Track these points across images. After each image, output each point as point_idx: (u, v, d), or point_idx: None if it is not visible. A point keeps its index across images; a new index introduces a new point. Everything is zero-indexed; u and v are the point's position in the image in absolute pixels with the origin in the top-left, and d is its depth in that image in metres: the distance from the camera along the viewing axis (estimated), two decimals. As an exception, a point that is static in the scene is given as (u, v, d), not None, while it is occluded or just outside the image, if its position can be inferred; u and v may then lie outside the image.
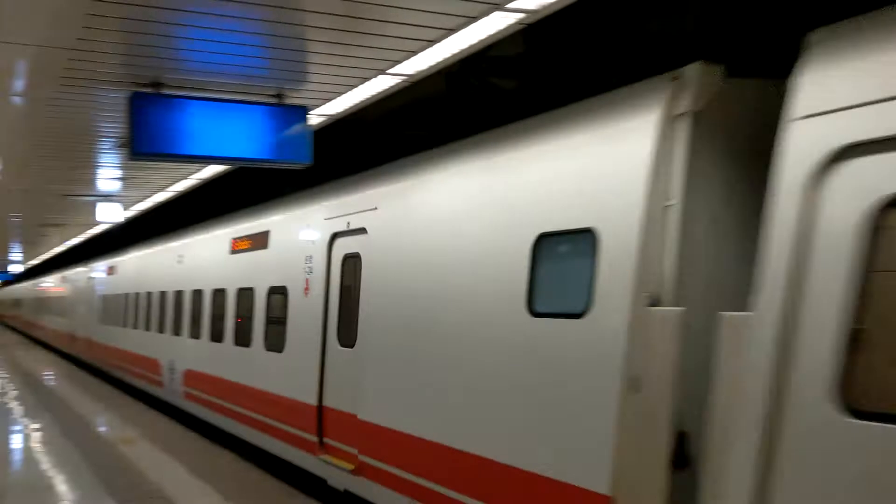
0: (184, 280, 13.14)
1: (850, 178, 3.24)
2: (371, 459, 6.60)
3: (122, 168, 10.51)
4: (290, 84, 6.48)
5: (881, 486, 2.98)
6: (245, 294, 10.21)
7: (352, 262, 7.54)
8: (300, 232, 8.82)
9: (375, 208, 7.19)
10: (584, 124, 5.11)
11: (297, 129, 6.55)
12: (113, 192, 12.70)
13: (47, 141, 8.54)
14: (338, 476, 7.20)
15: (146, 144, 6.08)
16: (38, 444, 10.54)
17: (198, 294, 12.16)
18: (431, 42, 5.44)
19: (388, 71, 6.07)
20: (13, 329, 50.66)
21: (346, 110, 7.32)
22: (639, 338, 4.23)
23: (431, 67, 6.09)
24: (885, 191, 3.09)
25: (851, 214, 3.18)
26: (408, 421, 6.21)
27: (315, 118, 7.52)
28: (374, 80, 6.33)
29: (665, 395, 4.07)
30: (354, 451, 6.90)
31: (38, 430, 11.71)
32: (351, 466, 6.85)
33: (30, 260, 36.74)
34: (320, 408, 7.72)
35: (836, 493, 3.11)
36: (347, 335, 7.41)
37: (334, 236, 7.92)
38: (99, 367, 20.57)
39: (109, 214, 12.94)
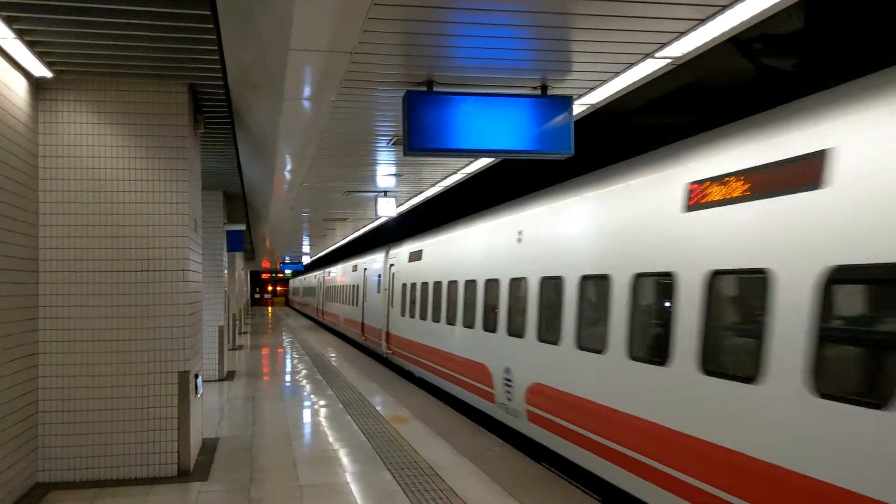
0: (531, 264, 9.76)
1: None
2: None
3: (396, 164, 11.17)
4: (554, 74, 6.50)
5: None
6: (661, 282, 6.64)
7: None
8: None
9: None
10: None
11: (560, 119, 6.56)
12: (389, 188, 13.55)
13: (329, 141, 9.28)
14: None
15: (419, 140, 6.40)
16: (324, 420, 11.54)
17: (552, 283, 9.03)
18: (702, 21, 5.19)
19: (655, 54, 5.88)
20: (304, 315, 56.04)
21: (609, 97, 7.20)
22: None
23: (699, 48, 5.81)
24: None
25: None
26: None
27: (578, 108, 7.48)
28: (640, 64, 6.16)
29: None
30: None
31: (324, 406, 12.83)
32: None
33: (316, 253, 40.44)
34: None
35: None
36: None
37: None
38: (394, 361, 19.10)
39: (386, 209, 13.77)
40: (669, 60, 6.06)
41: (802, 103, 5.36)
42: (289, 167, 11.26)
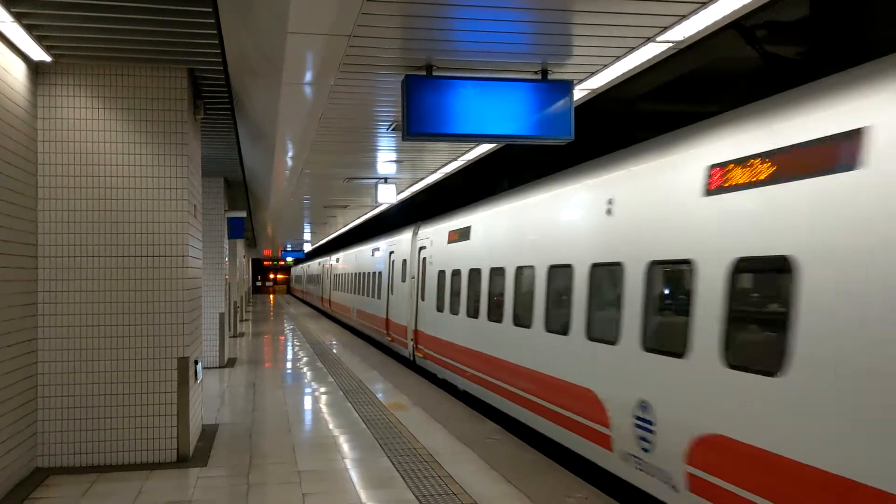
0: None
1: None
2: None
3: (396, 151, 11.14)
4: (554, 59, 6.46)
5: None
6: None
7: None
8: None
9: None
10: None
11: (561, 104, 6.53)
12: (389, 174, 13.52)
13: (329, 126, 9.24)
14: None
15: (419, 125, 6.37)
16: (324, 406, 11.56)
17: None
18: (704, 3, 5.15)
19: (656, 38, 5.84)
20: (305, 303, 56.13)
21: (610, 82, 7.16)
22: None
23: (700, 32, 5.77)
24: None
25: None
26: None
27: (579, 93, 7.44)
28: (641, 49, 6.12)
29: None
30: None
31: (324, 393, 12.85)
32: None
33: (317, 241, 40.41)
34: None
35: None
36: None
37: None
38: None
39: (387, 196, 13.74)
40: (671, 44, 6.02)
41: (829, 81, 5.06)
42: (289, 153, 11.24)
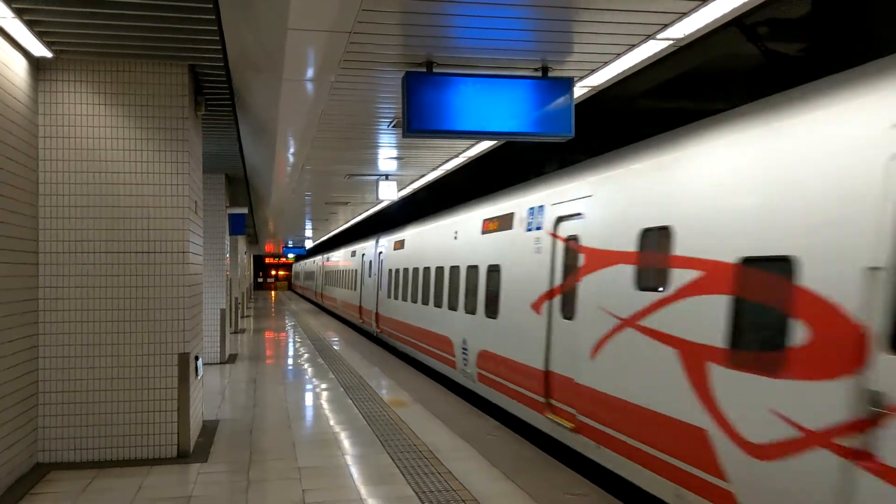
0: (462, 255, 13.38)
1: None
2: None
3: (397, 147, 11.14)
4: (554, 56, 6.46)
5: None
6: None
7: None
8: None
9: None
10: None
11: (561, 101, 6.53)
12: (390, 171, 13.52)
13: (330, 123, 9.25)
14: None
15: (419, 122, 6.37)
16: (325, 402, 11.57)
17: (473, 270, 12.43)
18: (704, 0, 5.15)
19: (656, 35, 5.84)
20: (306, 298, 56.15)
21: (611, 79, 7.16)
22: None
23: (701, 30, 5.77)
24: None
25: None
26: None
27: (580, 90, 7.44)
28: (641, 46, 6.12)
29: None
30: None
31: (325, 389, 12.86)
32: None
33: (319, 237, 40.45)
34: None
35: None
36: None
37: None
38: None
39: (388, 193, 13.74)
40: (671, 42, 6.02)
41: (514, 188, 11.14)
42: (290, 150, 11.24)
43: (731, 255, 5.54)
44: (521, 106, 6.47)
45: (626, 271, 7.02)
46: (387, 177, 13.91)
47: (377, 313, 21.83)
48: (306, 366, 16.14)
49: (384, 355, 18.18)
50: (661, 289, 6.40)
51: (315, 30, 5.65)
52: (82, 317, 7.75)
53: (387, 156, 11.91)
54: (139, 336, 7.87)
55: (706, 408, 5.71)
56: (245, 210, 18.74)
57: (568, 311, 8.35)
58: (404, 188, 15.78)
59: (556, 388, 8.56)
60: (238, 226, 18.43)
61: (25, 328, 7.32)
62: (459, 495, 6.78)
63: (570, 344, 8.18)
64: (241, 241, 29.78)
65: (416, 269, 16.76)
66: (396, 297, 18.88)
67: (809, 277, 4.76)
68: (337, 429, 9.61)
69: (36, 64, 7.59)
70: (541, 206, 9.46)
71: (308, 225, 30.04)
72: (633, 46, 6.18)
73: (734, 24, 8.77)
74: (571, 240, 8.41)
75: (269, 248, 53.25)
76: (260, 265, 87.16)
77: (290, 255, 64.44)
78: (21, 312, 7.19)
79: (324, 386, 13.22)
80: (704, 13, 5.34)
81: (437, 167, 13.09)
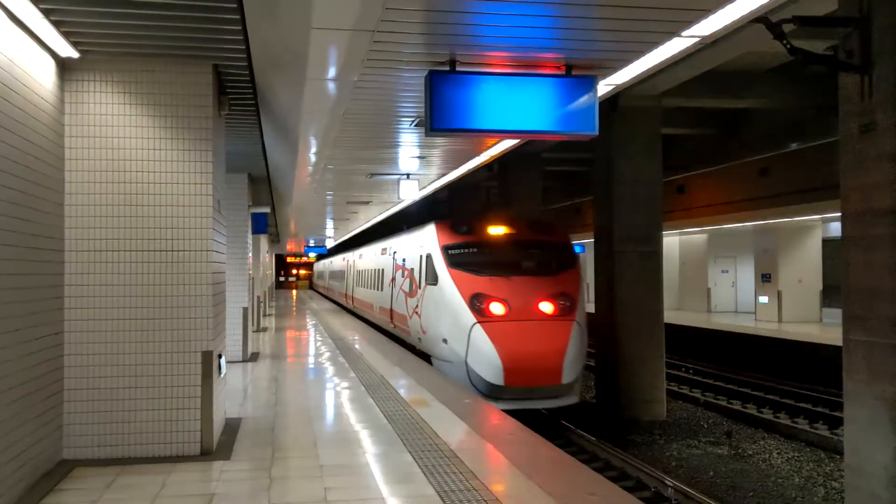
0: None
1: None
2: None
3: (419, 146, 11.15)
4: (578, 53, 6.43)
5: None
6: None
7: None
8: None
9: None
10: None
11: (585, 99, 6.49)
12: (412, 170, 13.53)
13: (352, 122, 9.27)
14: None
15: (441, 121, 6.37)
16: (346, 402, 11.60)
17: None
18: (731, -3, 5.10)
19: (681, 32, 5.79)
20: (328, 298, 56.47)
21: (635, 77, 7.12)
22: None
23: (727, 27, 5.72)
24: None
25: None
26: None
27: (604, 88, 7.40)
28: (666, 43, 6.08)
29: None
30: None
31: (346, 388, 12.90)
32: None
33: (340, 236, 40.59)
34: None
35: None
36: None
37: None
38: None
39: (409, 192, 13.75)
40: (697, 39, 5.97)
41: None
42: (313, 149, 11.28)
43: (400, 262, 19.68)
44: (544, 104, 6.45)
45: (399, 274, 19.26)
46: (408, 176, 13.92)
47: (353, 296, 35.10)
48: (327, 364, 16.19)
49: (404, 354, 18.20)
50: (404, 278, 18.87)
51: (338, 29, 5.67)
52: (107, 315, 7.81)
53: (409, 155, 11.92)
54: (163, 334, 7.92)
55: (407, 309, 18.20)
56: (267, 209, 18.84)
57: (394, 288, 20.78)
58: (425, 187, 15.79)
59: (394, 314, 20.58)
60: (260, 225, 18.53)
61: (51, 326, 7.39)
62: (481, 495, 6.76)
63: (395, 298, 20.35)
64: (264, 240, 29.95)
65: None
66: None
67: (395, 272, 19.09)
68: (358, 427, 9.62)
69: (62, 64, 7.67)
70: (390, 246, 22.27)
71: (329, 224, 30.15)
72: (657, 43, 6.14)
73: (760, 21, 8.65)
74: (395, 260, 20.66)
75: (290, 247, 53.55)
76: (281, 264, 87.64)
77: (312, 254, 65.71)
78: (47, 310, 7.26)
79: (345, 384, 13.25)
80: (732, 9, 5.29)
81: (459, 166, 13.08)
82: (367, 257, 28.54)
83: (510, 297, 13.81)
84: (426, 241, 16.05)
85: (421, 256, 16.52)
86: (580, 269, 15.25)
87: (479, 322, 13.61)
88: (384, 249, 23.56)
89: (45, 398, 7.21)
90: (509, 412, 10.77)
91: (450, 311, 14.45)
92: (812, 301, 26.60)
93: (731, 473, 12.60)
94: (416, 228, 18.09)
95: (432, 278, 15.39)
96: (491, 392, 13.47)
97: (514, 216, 16.41)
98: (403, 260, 19.16)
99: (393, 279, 20.78)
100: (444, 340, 14.74)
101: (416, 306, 17.05)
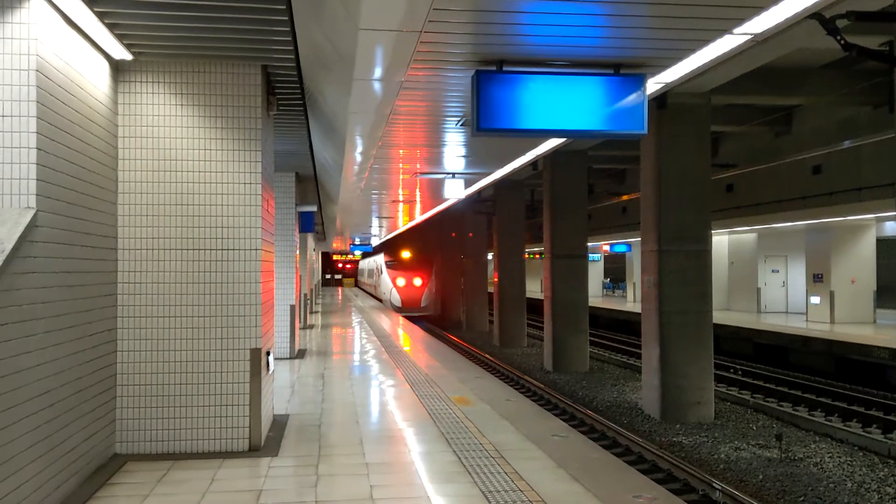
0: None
1: None
2: None
3: (465, 146, 11.14)
4: (627, 52, 6.35)
5: None
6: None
7: None
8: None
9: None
10: None
11: (633, 98, 6.42)
12: (457, 170, 13.53)
13: (399, 121, 9.29)
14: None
15: (488, 121, 6.34)
16: (391, 399, 11.65)
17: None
18: (785, -6, 4.99)
19: (733, 30, 5.69)
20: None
21: (685, 76, 7.01)
22: None
23: (780, 24, 5.60)
24: None
25: None
26: None
27: (653, 86, 7.31)
28: (716, 41, 5.97)
29: None
30: None
31: (391, 385, 12.96)
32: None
33: (385, 235, 40.92)
34: None
35: None
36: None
37: None
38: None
39: (454, 191, 13.75)
40: (749, 37, 5.86)
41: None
42: (359, 148, 11.34)
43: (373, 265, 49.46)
44: (592, 103, 6.39)
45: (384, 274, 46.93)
46: (454, 175, 13.92)
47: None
48: (372, 362, 16.28)
49: (449, 353, 18.21)
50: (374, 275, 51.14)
51: (386, 30, 5.68)
52: (158, 312, 7.96)
53: (454, 154, 11.91)
54: (213, 331, 8.05)
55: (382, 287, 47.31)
56: (314, 208, 19.00)
57: (376, 281, 51.49)
58: (471, 186, 15.78)
59: (380, 295, 48.33)
60: (307, 223, 18.70)
61: (105, 323, 7.56)
62: (526, 496, 6.73)
63: (377, 284, 49.96)
64: (310, 239, 30.25)
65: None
66: None
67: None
68: (402, 425, 9.66)
69: (115, 66, 7.82)
70: (379, 256, 49.08)
71: (374, 223, 30.32)
72: (707, 41, 6.04)
73: (814, 17, 8.49)
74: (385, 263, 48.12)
75: (336, 245, 54.51)
76: (327, 262, 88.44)
77: (357, 252, 70.92)
78: (101, 308, 7.43)
79: (390, 382, 13.32)
80: (786, 6, 5.18)
81: (505, 165, 13.05)
82: (367, 262, 63.21)
83: (404, 277, 43.07)
84: (379, 259, 47.46)
85: (378, 264, 46.85)
86: (431, 270, 43.77)
87: (394, 287, 42.89)
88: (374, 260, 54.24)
89: (99, 394, 7.37)
90: (407, 318, 29.91)
91: (386, 284, 43.85)
92: (866, 302, 25.96)
93: (781, 477, 12.36)
94: (377, 255, 47.93)
95: (381, 273, 43.88)
96: (397, 310, 38.49)
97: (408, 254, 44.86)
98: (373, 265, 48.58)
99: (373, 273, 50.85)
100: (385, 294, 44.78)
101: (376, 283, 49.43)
